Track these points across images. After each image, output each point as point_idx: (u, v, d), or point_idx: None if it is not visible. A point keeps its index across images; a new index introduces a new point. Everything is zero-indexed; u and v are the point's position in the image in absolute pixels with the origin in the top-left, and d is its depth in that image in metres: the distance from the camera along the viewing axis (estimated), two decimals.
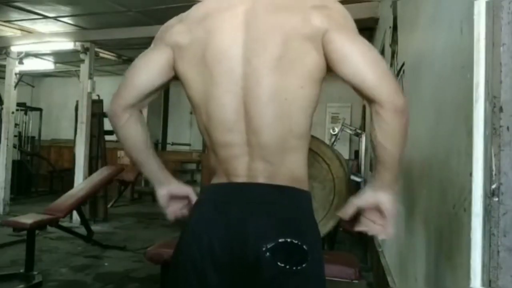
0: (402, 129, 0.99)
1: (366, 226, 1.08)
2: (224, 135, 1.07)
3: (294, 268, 0.98)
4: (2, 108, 7.02)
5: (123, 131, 1.16)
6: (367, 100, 1.01)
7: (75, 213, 5.44)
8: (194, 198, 1.21)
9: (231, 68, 1.04)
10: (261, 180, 1.06)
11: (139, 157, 1.19)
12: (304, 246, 1.00)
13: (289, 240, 0.99)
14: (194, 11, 1.13)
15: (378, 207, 1.05)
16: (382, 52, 4.03)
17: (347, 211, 1.07)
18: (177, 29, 1.11)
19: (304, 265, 0.99)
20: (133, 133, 1.16)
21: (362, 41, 1.03)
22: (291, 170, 1.07)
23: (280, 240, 0.99)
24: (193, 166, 9.07)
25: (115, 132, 1.18)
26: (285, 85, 1.02)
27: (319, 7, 1.04)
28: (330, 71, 1.05)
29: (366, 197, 1.06)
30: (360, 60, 1.00)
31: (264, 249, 0.98)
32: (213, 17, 1.08)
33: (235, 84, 1.04)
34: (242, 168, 1.06)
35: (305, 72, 1.03)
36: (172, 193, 1.24)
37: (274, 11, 1.05)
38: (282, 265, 0.98)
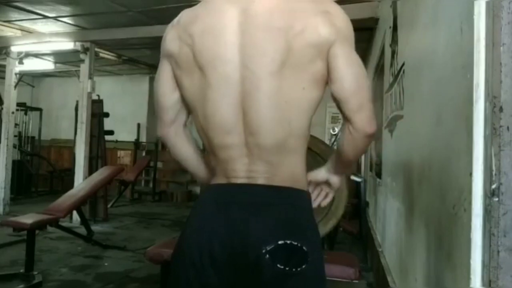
0: (366, 147, 1.14)
1: (316, 198, 1.30)
2: (222, 137, 1.07)
3: (294, 269, 0.99)
4: (2, 108, 7.02)
5: (175, 150, 1.23)
6: (343, 117, 1.08)
7: (75, 213, 5.45)
8: None
9: (228, 72, 1.04)
10: (260, 181, 1.06)
11: (190, 168, 1.27)
12: (304, 247, 1.00)
13: (288, 242, 1.00)
14: (184, 16, 1.13)
15: (328, 182, 1.28)
16: (382, 52, 4.03)
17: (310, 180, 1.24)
18: (169, 38, 1.13)
19: (304, 266, 0.99)
20: (182, 149, 1.23)
21: (358, 63, 1.07)
22: (290, 170, 1.08)
23: (279, 242, 0.99)
24: None
25: (170, 152, 1.25)
26: (285, 88, 1.03)
27: (325, 12, 1.03)
28: None
29: (321, 175, 1.27)
30: (351, 86, 1.04)
31: (264, 251, 0.99)
32: (202, 20, 1.08)
33: (232, 88, 1.04)
34: (241, 169, 1.07)
35: (308, 75, 1.03)
36: None
37: (277, 15, 1.03)
38: (282, 267, 0.98)
